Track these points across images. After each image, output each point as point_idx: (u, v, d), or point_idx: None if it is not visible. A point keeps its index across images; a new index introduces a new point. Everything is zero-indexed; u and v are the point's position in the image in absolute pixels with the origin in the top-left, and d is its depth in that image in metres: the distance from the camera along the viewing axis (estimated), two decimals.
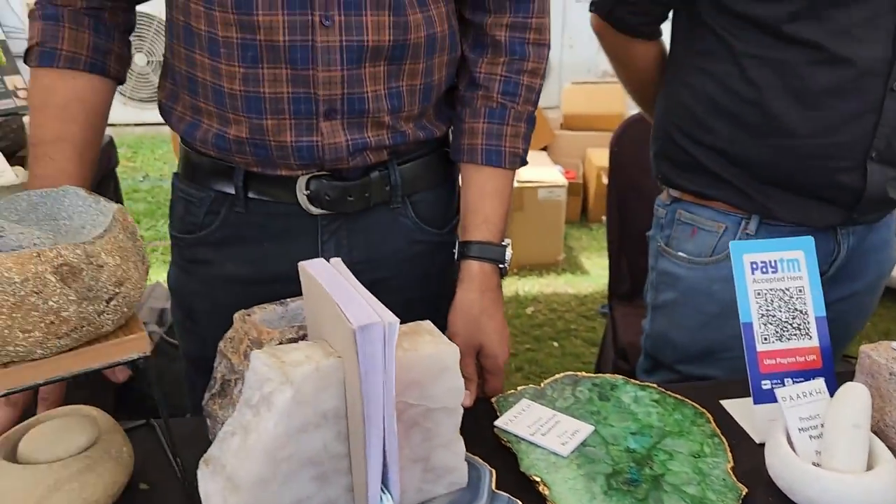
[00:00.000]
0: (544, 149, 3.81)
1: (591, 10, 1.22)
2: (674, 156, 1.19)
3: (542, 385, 0.92)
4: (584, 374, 0.94)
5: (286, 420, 0.63)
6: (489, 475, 0.76)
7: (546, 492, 0.74)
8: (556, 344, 2.75)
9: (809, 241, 0.90)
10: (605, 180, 3.33)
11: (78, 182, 0.88)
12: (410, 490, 0.72)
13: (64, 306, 0.59)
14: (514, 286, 3.12)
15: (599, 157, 3.61)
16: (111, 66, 0.92)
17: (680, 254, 1.18)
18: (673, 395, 0.90)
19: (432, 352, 0.68)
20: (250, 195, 0.94)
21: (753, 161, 1.10)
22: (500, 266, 0.97)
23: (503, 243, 0.97)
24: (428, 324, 0.71)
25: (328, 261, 0.71)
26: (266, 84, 0.85)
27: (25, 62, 0.91)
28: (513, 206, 3.17)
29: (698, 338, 1.17)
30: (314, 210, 0.94)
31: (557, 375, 0.93)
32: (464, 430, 0.74)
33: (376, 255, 0.98)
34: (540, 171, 3.22)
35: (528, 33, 0.96)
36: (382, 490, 0.67)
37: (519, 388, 0.92)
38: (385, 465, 0.66)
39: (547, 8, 0.97)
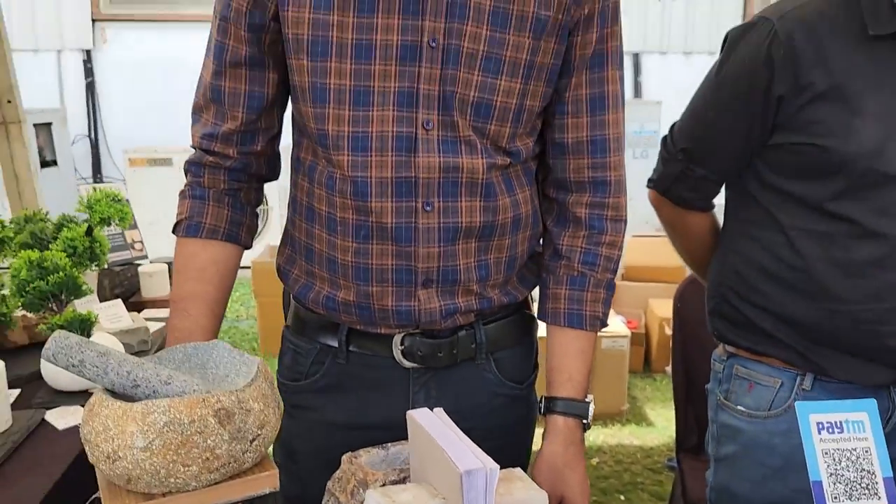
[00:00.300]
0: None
1: (648, 186, 1.34)
2: (728, 315, 1.26)
3: None
4: None
5: None
6: None
7: None
8: (622, 497, 2.71)
9: (872, 403, 0.95)
10: (667, 331, 3.37)
11: (209, 333, 1.02)
12: None
13: (218, 445, 0.70)
14: None
15: (661, 308, 3.67)
16: (243, 236, 1.09)
17: (739, 407, 1.23)
18: None
19: (524, 497, 0.76)
20: (351, 349, 1.06)
21: (804, 323, 1.17)
22: (584, 421, 1.05)
23: (586, 400, 1.06)
24: (519, 471, 0.80)
25: (432, 410, 0.81)
26: (374, 257, 0.99)
27: (174, 233, 1.08)
28: None
29: (762, 491, 1.20)
30: (407, 364, 1.05)
31: None
32: None
33: (461, 406, 1.04)
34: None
35: (606, 210, 1.08)
36: None
37: None
38: None
39: (624, 187, 1.09)
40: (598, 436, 3.15)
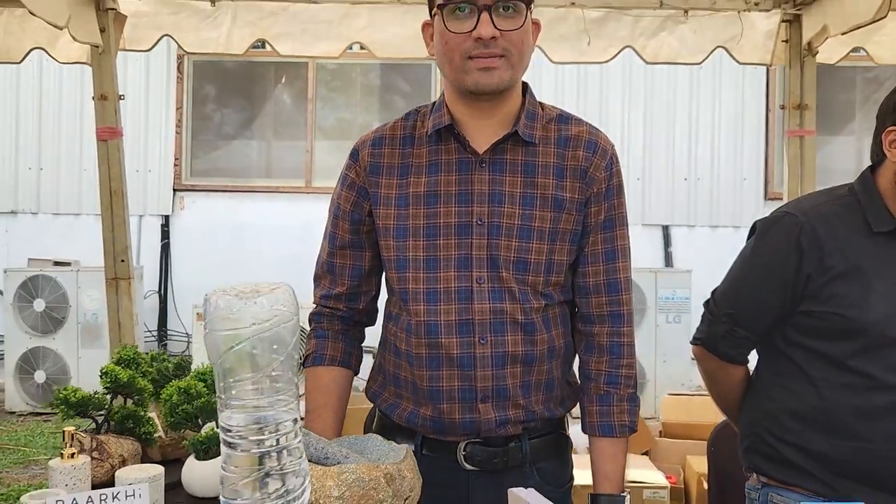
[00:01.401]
0: (646, 453, 4.06)
1: (695, 343, 1.62)
2: (763, 451, 1.52)
3: None
4: None
5: None
6: None
7: None
8: None
9: None
10: (705, 486, 3.51)
11: (337, 433, 1.36)
12: None
13: (386, 499, 1.01)
14: None
15: (699, 464, 3.82)
16: (353, 363, 1.48)
17: None
18: None
19: None
20: (425, 452, 1.37)
21: (831, 458, 1.42)
22: None
23: (622, 494, 1.34)
24: None
25: (545, 485, 1.10)
26: (444, 381, 1.33)
27: (304, 365, 1.46)
28: None
29: None
30: (468, 467, 1.36)
31: None
32: None
33: None
34: (643, 473, 3.46)
35: (622, 338, 1.41)
36: None
37: None
38: None
39: (633, 318, 1.43)
40: None
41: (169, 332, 6.63)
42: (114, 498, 1.21)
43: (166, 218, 6.61)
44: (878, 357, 1.40)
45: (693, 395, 4.36)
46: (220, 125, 6.94)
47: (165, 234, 6.61)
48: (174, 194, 6.60)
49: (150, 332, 6.46)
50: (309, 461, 1.06)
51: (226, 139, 6.89)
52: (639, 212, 6.43)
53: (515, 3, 1.28)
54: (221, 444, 0.68)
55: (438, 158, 1.37)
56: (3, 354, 5.64)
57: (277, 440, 0.69)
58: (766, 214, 1.58)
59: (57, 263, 5.98)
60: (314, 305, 1.51)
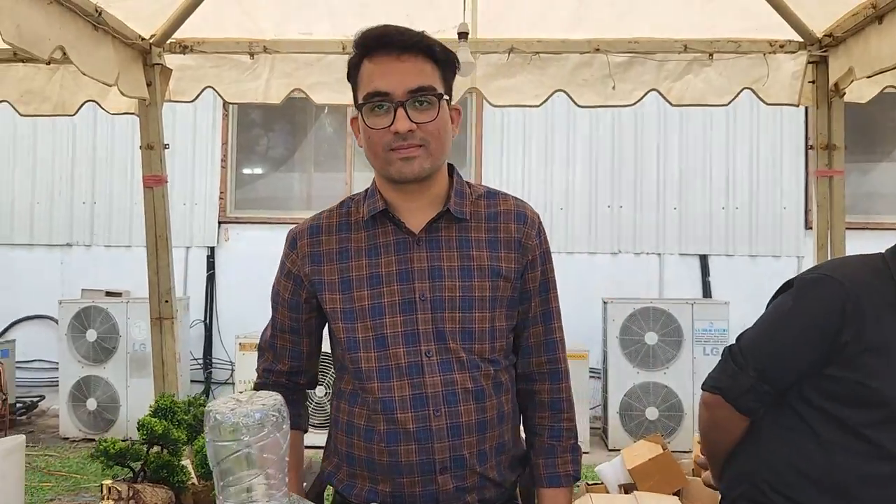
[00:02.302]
0: (678, 493, 4.04)
1: (711, 391, 1.56)
2: (757, 500, 1.52)
3: None
4: None
5: None
6: None
7: None
8: None
9: None
10: None
11: (299, 488, 1.46)
12: None
13: None
14: None
15: None
16: (302, 423, 1.57)
17: None
18: None
19: None
20: None
21: None
22: None
23: None
24: None
25: None
26: (402, 455, 1.38)
27: None
28: None
29: None
30: None
31: None
32: None
33: None
34: None
35: (562, 394, 1.51)
36: None
37: None
38: None
39: (569, 374, 1.51)
40: None
41: (214, 361, 6.83)
42: None
43: (212, 249, 6.83)
44: (893, 429, 1.43)
45: None
46: (264, 158, 7.16)
47: (211, 265, 6.83)
48: (219, 226, 6.82)
49: (195, 360, 6.66)
50: None
51: (269, 171, 7.10)
52: (675, 240, 6.41)
53: (429, 97, 1.37)
54: None
55: (377, 241, 1.45)
56: (57, 382, 5.89)
57: None
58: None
59: (109, 294, 6.23)
60: (257, 375, 1.59)
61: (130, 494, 1.83)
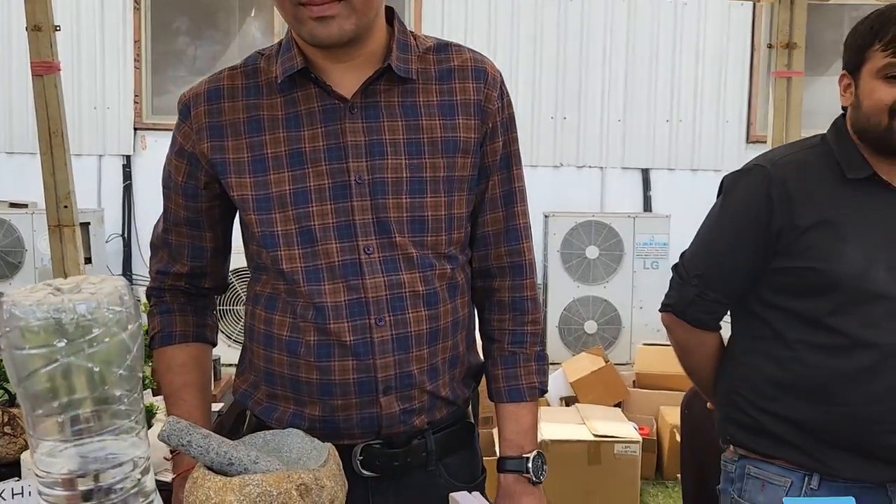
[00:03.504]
0: (618, 405, 3.99)
1: (663, 311, 1.51)
2: (740, 420, 1.42)
3: None
4: None
5: None
6: None
7: None
8: None
9: (850, 500, 1.09)
10: (678, 438, 3.45)
11: (204, 415, 1.19)
12: None
13: None
14: None
15: (673, 416, 3.76)
16: (209, 335, 1.28)
17: None
18: None
19: None
20: None
21: (810, 425, 1.33)
22: (525, 475, 1.19)
23: (524, 455, 1.20)
24: None
25: (470, 493, 0.95)
26: (336, 373, 1.13)
27: (150, 347, 1.24)
28: (589, 461, 3.30)
29: None
30: (366, 473, 1.17)
31: None
32: None
33: None
34: (615, 427, 3.38)
35: (525, 291, 1.26)
36: None
37: None
38: None
39: (535, 269, 1.28)
40: None
41: (134, 277, 6.43)
42: None
43: (128, 158, 6.33)
44: (855, 313, 1.31)
45: (668, 345, 4.28)
46: (183, 61, 6.60)
47: (127, 175, 6.35)
48: (135, 133, 6.30)
49: (114, 276, 6.26)
50: (210, 469, 0.90)
51: (189, 75, 6.55)
52: (618, 155, 6.27)
53: None
54: (39, 496, 0.52)
55: (297, 109, 1.14)
56: None
57: (112, 486, 0.53)
58: (748, 158, 1.49)
59: (13, 206, 5.73)
60: (150, 277, 1.29)
61: (5, 420, 1.55)
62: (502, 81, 1.23)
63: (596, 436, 3.31)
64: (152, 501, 0.55)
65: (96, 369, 0.50)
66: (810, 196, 1.34)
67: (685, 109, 6.33)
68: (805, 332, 1.33)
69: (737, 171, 1.44)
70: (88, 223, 5.80)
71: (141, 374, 0.51)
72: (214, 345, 1.29)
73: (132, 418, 0.53)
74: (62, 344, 0.49)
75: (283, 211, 1.13)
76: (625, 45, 6.25)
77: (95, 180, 6.30)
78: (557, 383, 3.99)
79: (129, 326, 0.51)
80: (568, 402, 3.92)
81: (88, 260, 5.83)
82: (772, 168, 1.37)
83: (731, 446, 1.48)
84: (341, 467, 0.94)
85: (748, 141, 6.22)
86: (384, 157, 1.13)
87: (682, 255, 1.50)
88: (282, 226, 1.13)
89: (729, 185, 1.43)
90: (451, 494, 0.96)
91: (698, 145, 6.31)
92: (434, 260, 1.17)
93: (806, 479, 1.34)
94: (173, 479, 1.15)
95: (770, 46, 3.20)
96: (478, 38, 6.07)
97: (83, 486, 0.51)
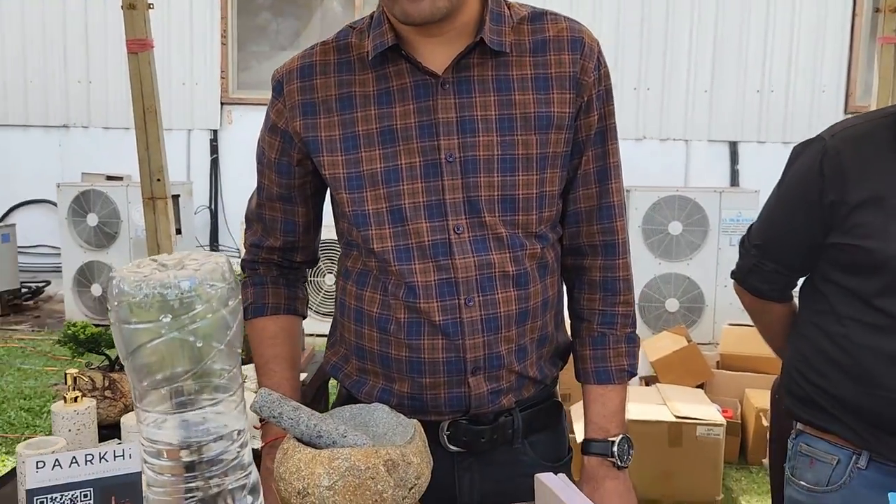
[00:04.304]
0: (701, 385, 3.89)
1: (731, 278, 1.51)
2: (795, 392, 1.40)
3: None
4: None
5: None
6: None
7: None
8: None
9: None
10: (764, 422, 3.33)
11: (293, 385, 1.20)
12: None
13: (386, 490, 0.86)
14: None
15: (758, 399, 3.63)
16: (300, 307, 1.30)
17: (801, 482, 1.36)
18: None
19: None
20: None
21: (855, 404, 1.29)
22: (611, 459, 1.17)
23: (610, 439, 1.18)
24: None
25: (556, 474, 0.94)
26: (426, 351, 1.12)
27: (245, 317, 1.24)
28: (670, 442, 3.24)
29: None
30: (452, 448, 1.16)
31: None
32: None
33: (504, 488, 1.17)
34: (697, 409, 3.30)
35: (617, 272, 1.22)
36: None
37: None
38: None
39: (628, 248, 1.23)
40: None
41: (220, 248, 6.66)
42: (101, 458, 1.10)
43: (215, 132, 6.53)
44: None
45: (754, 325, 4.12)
46: (267, 36, 6.73)
47: (214, 149, 6.55)
48: (222, 108, 6.48)
49: (202, 247, 6.49)
50: (300, 441, 0.92)
51: (273, 50, 6.67)
52: (705, 127, 6.05)
53: None
54: (143, 464, 0.53)
55: (389, 85, 1.12)
56: (61, 267, 5.75)
57: (214, 458, 0.54)
58: None
59: (109, 178, 6.00)
60: (244, 250, 1.31)
61: (106, 384, 1.62)
62: (599, 51, 1.18)
63: (678, 417, 3.24)
64: (250, 473, 0.56)
65: (198, 344, 0.51)
66: (864, 170, 1.29)
67: (777, 79, 6.05)
68: (856, 309, 1.29)
69: (804, 141, 1.40)
70: (178, 195, 6.02)
71: (240, 351, 0.52)
72: (304, 317, 1.31)
73: (232, 393, 0.54)
74: (167, 319, 0.50)
75: (374, 190, 1.12)
76: (714, 11, 5.99)
77: (184, 154, 6.53)
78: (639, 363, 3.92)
79: (230, 303, 0.52)
80: (648, 382, 3.85)
81: (178, 231, 6.06)
82: (829, 140, 1.32)
83: (795, 424, 1.45)
84: (427, 444, 0.95)
85: (846, 111, 5.90)
86: (475, 134, 1.11)
87: (750, 227, 1.50)
88: (373, 205, 1.12)
89: (792, 156, 1.40)
90: (537, 476, 0.95)
91: (791, 117, 6.04)
92: (524, 239, 1.14)
93: (854, 457, 1.31)
94: (262, 447, 1.18)
95: (877, 11, 3.01)
96: (559, 8, 5.94)
97: (186, 457, 0.52)
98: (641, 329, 5.30)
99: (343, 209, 1.15)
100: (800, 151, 1.38)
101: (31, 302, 6.20)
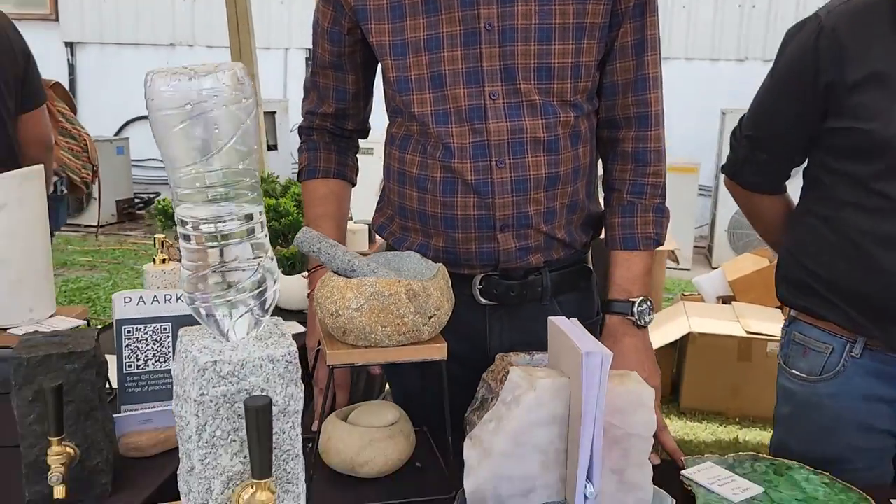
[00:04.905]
0: (781, 308, 3.83)
1: (722, 172, 1.47)
2: (792, 279, 1.37)
3: (725, 456, 1.12)
4: (764, 455, 1.12)
5: (527, 415, 0.93)
6: (671, 500, 0.99)
7: None
8: None
9: None
10: None
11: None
12: (606, 494, 0.97)
13: (406, 315, 0.96)
14: (735, 434, 3.13)
15: None
16: (349, 174, 1.39)
17: (794, 371, 1.35)
18: (843, 482, 1.06)
19: (634, 388, 0.95)
20: None
21: (856, 291, 1.26)
22: (631, 318, 1.22)
23: (631, 300, 1.23)
24: (634, 373, 0.99)
25: (568, 318, 1.02)
26: (458, 208, 1.20)
27: (298, 179, 1.39)
28: (739, 357, 3.24)
29: (815, 449, 1.28)
30: (483, 301, 1.25)
31: (741, 453, 1.13)
32: (656, 477, 0.97)
33: (531, 341, 1.22)
34: (770, 326, 3.26)
35: (648, 143, 1.25)
36: (587, 481, 0.93)
37: (705, 454, 1.13)
38: (591, 463, 0.93)
39: (662, 121, 1.26)
40: (754, 436, 3.14)
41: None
42: (177, 299, 1.26)
43: (310, 51, 6.68)
44: None
45: None
46: None
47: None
48: None
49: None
50: (335, 273, 1.04)
51: None
52: None
53: None
54: (179, 239, 0.65)
55: None
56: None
57: (230, 235, 0.65)
58: None
59: None
60: (301, 117, 1.41)
61: None
62: None
63: (749, 332, 3.22)
64: (274, 276, 0.66)
65: (216, 129, 0.61)
66: (864, 47, 1.21)
67: None
68: (854, 194, 1.25)
69: (797, 23, 1.32)
70: (274, 112, 6.28)
71: (256, 147, 0.62)
72: (354, 184, 1.42)
73: (249, 181, 0.64)
74: (188, 107, 0.60)
75: (417, 56, 1.20)
76: None
77: (281, 72, 6.75)
78: (715, 282, 3.88)
79: (244, 101, 0.62)
80: (725, 301, 3.81)
81: (274, 146, 6.34)
82: (825, 17, 1.24)
83: (788, 311, 1.42)
84: (450, 284, 1.04)
85: None
86: (514, 3, 1.16)
87: (741, 118, 1.42)
88: (415, 71, 1.20)
89: (785, 39, 1.32)
90: (550, 318, 1.02)
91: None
92: (558, 108, 1.20)
93: (848, 346, 1.28)
94: (309, 294, 1.32)
95: None
96: None
97: (208, 230, 0.64)
98: (729, 255, 5.21)
99: (388, 75, 1.23)
100: (793, 33, 1.31)
101: (142, 211, 6.69)
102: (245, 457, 0.69)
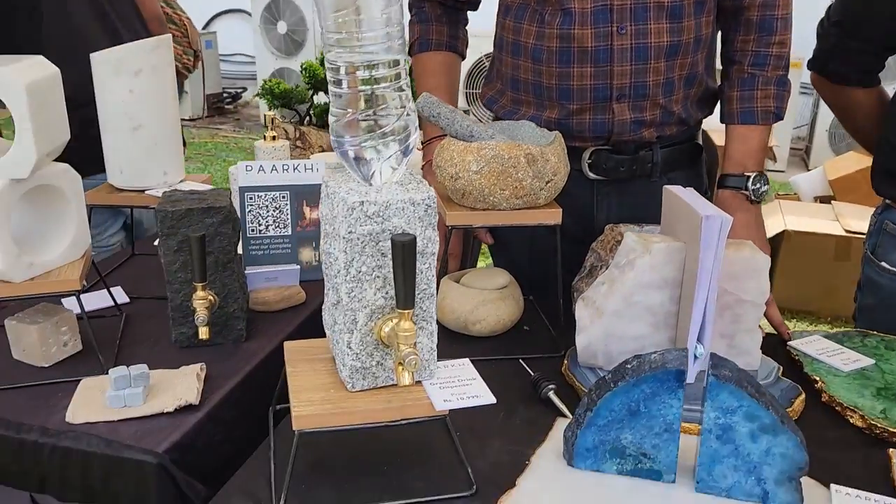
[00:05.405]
0: None
1: (808, 68, 1.38)
2: (885, 166, 1.30)
3: (834, 331, 1.13)
4: (875, 332, 1.12)
5: (640, 277, 0.95)
6: (777, 368, 1.01)
7: (822, 386, 0.97)
8: None
9: None
10: None
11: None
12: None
13: (525, 178, 0.99)
14: None
15: None
16: (460, 47, 1.39)
17: (883, 263, 1.29)
18: None
19: (749, 255, 0.95)
20: None
21: None
22: (744, 192, 1.20)
23: (746, 174, 1.20)
24: (749, 242, 0.99)
25: (684, 187, 1.02)
26: (575, 79, 1.18)
27: (410, 53, 1.39)
28: (836, 256, 3.15)
29: None
30: (592, 175, 1.25)
31: (850, 328, 1.13)
32: (761, 347, 0.99)
33: (637, 215, 1.23)
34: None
35: (776, 10, 1.19)
36: (698, 342, 0.95)
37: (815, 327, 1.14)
38: (703, 326, 0.95)
39: None
40: None
41: None
42: (294, 169, 1.32)
43: None
44: None
45: None
46: None
47: None
48: None
49: None
50: (454, 137, 1.06)
51: None
52: None
53: None
54: (329, 85, 0.68)
55: None
56: (255, 76, 6.24)
57: (380, 79, 0.67)
58: None
59: None
60: None
61: (297, 135, 1.85)
62: None
63: (848, 231, 3.12)
64: (415, 123, 0.68)
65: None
66: None
67: None
68: None
69: None
70: None
71: (397, 28, 0.64)
72: (464, 57, 1.42)
73: (394, 31, 0.67)
74: None
75: None
76: None
77: None
78: (813, 181, 3.74)
79: None
80: (824, 202, 3.68)
81: None
82: None
83: (883, 200, 1.34)
84: (566, 152, 1.05)
85: None
86: None
87: (828, 8, 1.33)
88: None
89: None
90: (666, 186, 1.03)
91: None
92: None
93: None
94: (423, 165, 1.36)
95: None
96: None
97: (361, 75, 0.67)
98: (828, 157, 4.97)
99: None
100: None
101: (231, 106, 6.84)
102: (387, 292, 0.74)
